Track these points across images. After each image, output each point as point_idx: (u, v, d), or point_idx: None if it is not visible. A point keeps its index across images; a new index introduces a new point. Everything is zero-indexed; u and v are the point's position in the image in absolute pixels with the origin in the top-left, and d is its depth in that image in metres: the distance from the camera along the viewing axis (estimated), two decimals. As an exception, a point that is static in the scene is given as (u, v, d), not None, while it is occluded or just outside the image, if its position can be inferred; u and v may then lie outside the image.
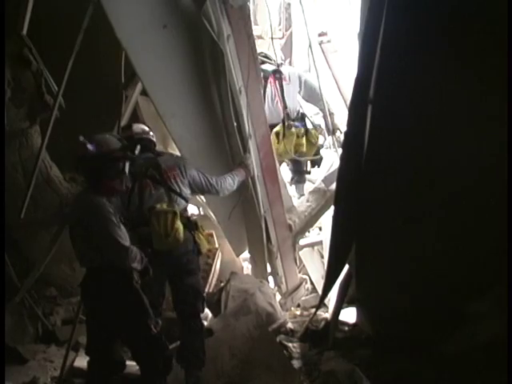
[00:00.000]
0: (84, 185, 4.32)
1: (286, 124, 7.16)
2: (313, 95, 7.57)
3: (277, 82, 7.17)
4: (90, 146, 4.16)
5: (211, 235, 6.66)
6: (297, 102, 7.47)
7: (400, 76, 3.78)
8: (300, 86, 7.42)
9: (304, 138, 7.30)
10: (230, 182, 5.35)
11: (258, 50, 6.59)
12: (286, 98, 7.22)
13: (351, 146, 4.39)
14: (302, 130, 7.32)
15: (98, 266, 4.20)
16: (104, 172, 4.22)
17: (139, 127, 5.16)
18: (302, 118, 7.40)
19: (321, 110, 7.63)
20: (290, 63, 10.78)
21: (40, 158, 5.41)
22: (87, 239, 4.17)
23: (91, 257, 4.20)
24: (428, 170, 3.98)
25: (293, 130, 7.18)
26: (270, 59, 7.42)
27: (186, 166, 5.05)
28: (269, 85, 7.18)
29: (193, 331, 4.93)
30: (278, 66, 7.26)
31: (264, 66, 7.09)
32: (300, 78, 7.40)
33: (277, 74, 7.19)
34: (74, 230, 4.28)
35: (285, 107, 7.21)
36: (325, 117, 7.60)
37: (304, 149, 7.26)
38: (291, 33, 10.84)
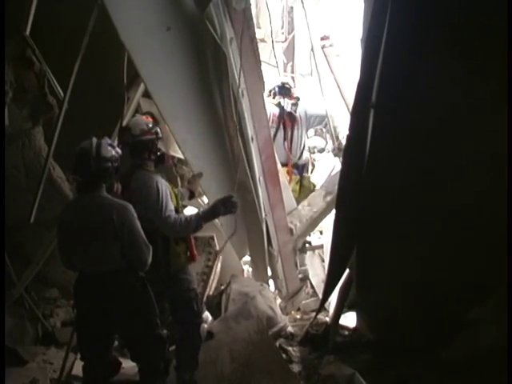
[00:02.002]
0: (92, 186, 4.23)
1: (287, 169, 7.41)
2: (315, 121, 7.85)
3: (289, 127, 7.41)
4: (118, 149, 4.27)
5: (212, 238, 6.65)
6: (300, 146, 7.71)
7: (402, 80, 3.78)
8: (308, 125, 7.71)
9: (298, 185, 7.61)
10: (182, 223, 4.65)
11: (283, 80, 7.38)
12: (293, 144, 7.48)
13: (353, 149, 4.39)
14: (298, 177, 7.65)
15: (114, 267, 4.18)
16: (117, 173, 4.33)
17: (138, 128, 4.78)
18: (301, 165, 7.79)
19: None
20: (293, 67, 10.81)
21: (48, 162, 5.39)
22: (106, 240, 4.14)
23: (106, 258, 4.17)
24: (430, 175, 3.97)
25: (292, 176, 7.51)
26: (290, 92, 7.62)
27: (148, 186, 4.63)
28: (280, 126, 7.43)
29: (184, 336, 4.95)
30: (294, 103, 7.39)
31: (282, 102, 7.43)
32: (307, 117, 7.63)
33: (291, 117, 7.40)
34: (78, 235, 4.22)
35: (290, 152, 7.47)
36: (328, 122, 7.69)
37: (297, 195, 7.43)
38: (293, 36, 10.86)
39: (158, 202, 4.61)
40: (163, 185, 4.72)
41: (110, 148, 4.19)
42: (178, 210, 4.81)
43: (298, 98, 7.57)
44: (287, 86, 7.70)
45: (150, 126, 4.81)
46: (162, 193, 4.64)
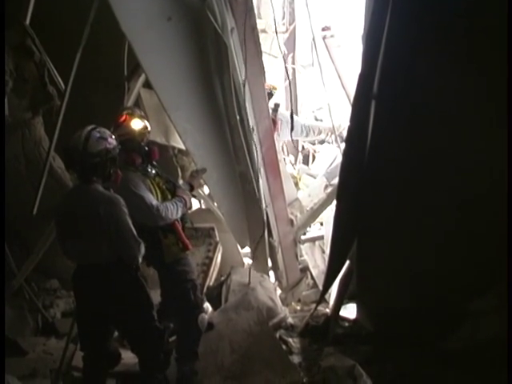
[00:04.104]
0: (85, 179, 4.21)
1: None
2: (305, 133, 7.95)
3: None
4: (111, 140, 4.20)
5: (212, 229, 6.65)
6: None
7: (404, 72, 3.77)
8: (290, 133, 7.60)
9: None
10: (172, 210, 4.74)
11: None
12: None
13: (354, 141, 4.38)
14: None
15: (102, 260, 4.17)
16: (114, 163, 4.27)
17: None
18: None
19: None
20: (294, 58, 10.78)
21: (50, 155, 5.37)
22: (93, 233, 4.12)
23: (94, 252, 4.15)
24: (431, 166, 3.96)
25: None
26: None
27: (122, 191, 4.47)
28: None
29: (183, 328, 4.95)
30: (274, 109, 7.34)
31: None
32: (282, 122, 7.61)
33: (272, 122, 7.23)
34: (69, 227, 4.22)
35: None
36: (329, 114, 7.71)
37: None
38: (295, 27, 10.81)
39: (134, 200, 4.55)
40: (131, 182, 4.67)
41: (100, 141, 4.13)
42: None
43: (277, 105, 7.56)
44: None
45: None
46: (132, 190, 4.62)
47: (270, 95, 7.39)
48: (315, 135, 8.15)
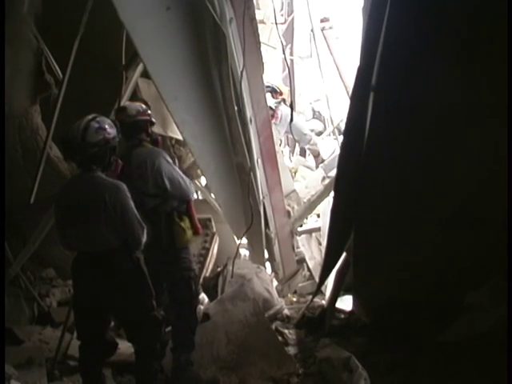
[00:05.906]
0: (85, 168, 4.20)
1: None
2: (301, 137, 8.28)
3: None
4: (110, 130, 4.17)
5: (209, 220, 6.65)
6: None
7: (403, 64, 3.76)
8: (289, 128, 7.66)
9: None
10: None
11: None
12: None
13: (352, 133, 4.37)
14: None
15: (106, 247, 4.17)
16: (114, 152, 4.27)
17: (134, 109, 4.88)
18: None
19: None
20: (292, 49, 10.77)
21: (47, 144, 5.36)
22: (98, 220, 4.10)
23: (98, 238, 4.15)
24: (428, 158, 3.96)
25: None
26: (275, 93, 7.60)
27: (156, 161, 4.70)
28: None
29: (180, 317, 4.94)
30: (282, 101, 7.40)
31: None
32: (287, 122, 7.62)
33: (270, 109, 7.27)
34: (72, 215, 4.21)
35: None
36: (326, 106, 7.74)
37: None
38: (293, 18, 10.81)
39: (172, 171, 4.76)
40: (167, 156, 4.83)
41: (99, 131, 4.10)
42: None
43: (282, 100, 7.60)
44: (274, 86, 7.83)
45: (145, 107, 4.90)
46: (170, 163, 4.78)
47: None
48: (307, 144, 8.28)
